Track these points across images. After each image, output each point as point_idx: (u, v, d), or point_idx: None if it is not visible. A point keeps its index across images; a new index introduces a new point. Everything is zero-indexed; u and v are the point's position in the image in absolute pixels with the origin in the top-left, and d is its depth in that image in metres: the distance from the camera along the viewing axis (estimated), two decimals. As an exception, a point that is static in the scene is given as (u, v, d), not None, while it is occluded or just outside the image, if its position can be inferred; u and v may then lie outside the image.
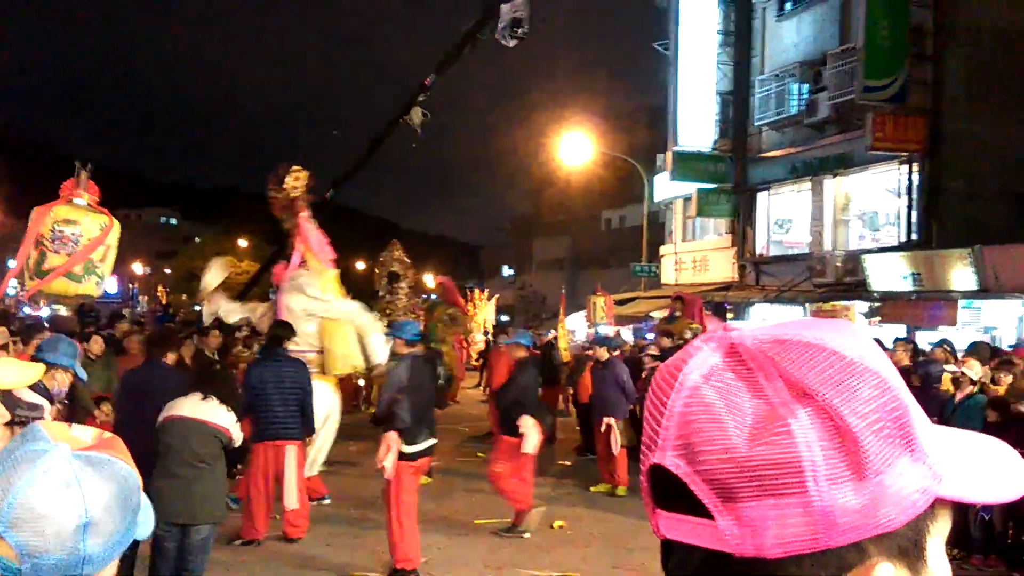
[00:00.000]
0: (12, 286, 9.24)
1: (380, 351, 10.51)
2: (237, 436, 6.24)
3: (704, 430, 0.70)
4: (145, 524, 1.63)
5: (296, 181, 10.11)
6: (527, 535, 9.15)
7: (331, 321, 10.70)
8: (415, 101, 15.64)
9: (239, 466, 11.91)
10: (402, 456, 7.53)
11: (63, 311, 7.96)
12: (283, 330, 9.01)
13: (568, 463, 13.65)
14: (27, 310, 24.53)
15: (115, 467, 1.29)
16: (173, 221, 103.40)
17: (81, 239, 7.19)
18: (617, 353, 15.64)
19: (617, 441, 11.27)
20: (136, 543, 1.70)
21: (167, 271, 69.36)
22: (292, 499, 8.36)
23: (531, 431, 9.14)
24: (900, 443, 0.69)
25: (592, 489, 11.53)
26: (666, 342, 13.89)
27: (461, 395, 22.43)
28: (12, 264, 7.72)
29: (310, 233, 10.18)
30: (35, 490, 1.19)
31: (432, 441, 7.98)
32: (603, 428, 11.41)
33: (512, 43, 14.03)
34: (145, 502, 1.74)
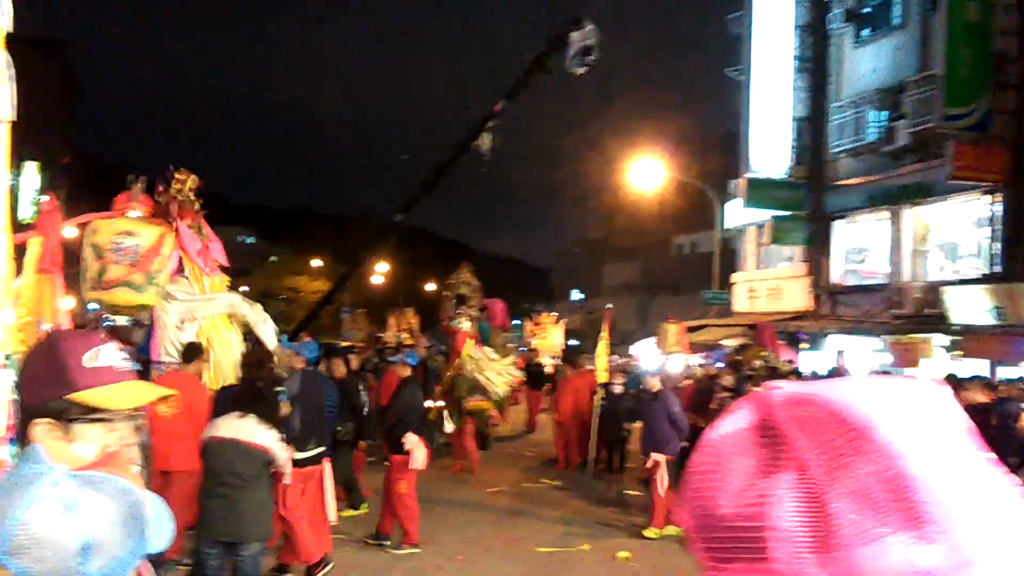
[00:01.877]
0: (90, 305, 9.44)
1: (272, 340, 9.86)
2: (280, 454, 6.26)
3: (703, 488, 0.73)
4: (159, 536, 1.59)
5: (179, 184, 9.67)
6: (388, 543, 9.33)
7: (213, 328, 9.96)
8: (485, 127, 15.74)
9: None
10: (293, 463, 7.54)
11: (120, 321, 8.07)
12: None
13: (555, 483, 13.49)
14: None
15: (115, 484, 1.25)
16: (250, 240, 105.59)
17: (140, 249, 7.33)
18: (689, 382, 15.48)
19: (664, 480, 10.51)
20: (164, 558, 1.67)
21: (243, 289, 70.76)
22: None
23: (417, 448, 9.20)
24: (893, 518, 0.64)
25: (644, 533, 10.56)
26: (729, 379, 13.68)
27: (519, 419, 22.36)
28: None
29: (187, 239, 9.43)
30: (33, 515, 1.16)
31: (320, 449, 8.14)
32: (649, 464, 10.69)
33: (581, 71, 14.03)
34: (159, 513, 1.70)
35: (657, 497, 10.52)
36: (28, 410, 1.73)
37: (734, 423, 0.75)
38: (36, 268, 4.99)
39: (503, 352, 18.03)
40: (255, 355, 10.09)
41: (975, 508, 0.65)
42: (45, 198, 5.41)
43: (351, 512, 10.63)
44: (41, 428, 1.72)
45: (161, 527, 1.69)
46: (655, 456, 10.58)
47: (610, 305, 16.10)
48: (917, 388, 0.73)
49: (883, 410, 0.68)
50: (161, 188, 9.09)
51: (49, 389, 1.76)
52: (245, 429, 6.07)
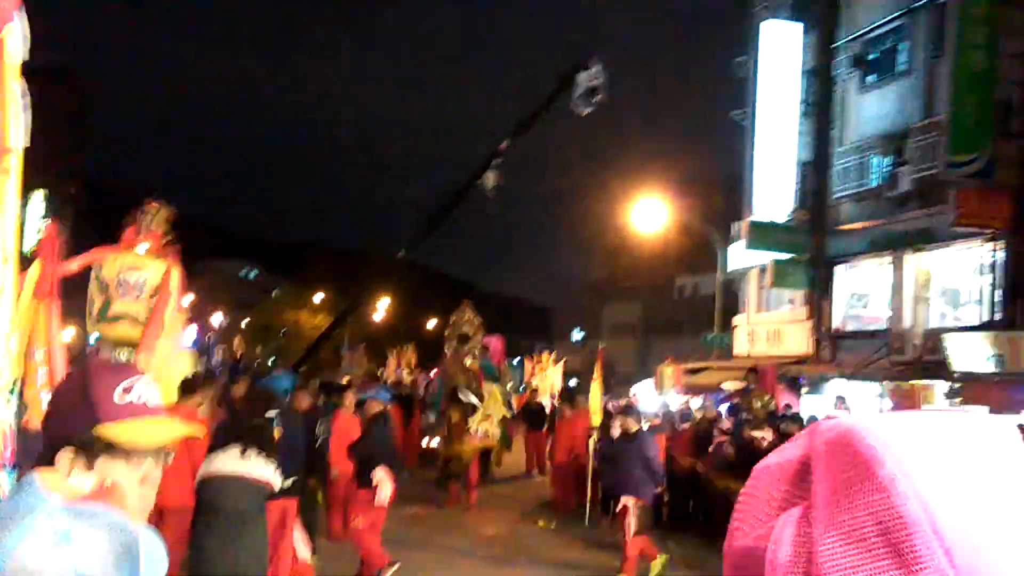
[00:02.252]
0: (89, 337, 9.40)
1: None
2: (277, 483, 6.22)
3: (738, 518, 0.73)
4: (153, 572, 1.55)
5: (149, 215, 9.51)
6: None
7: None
8: (490, 165, 15.81)
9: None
10: None
11: (123, 356, 8.02)
12: None
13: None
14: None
15: (108, 518, 1.22)
16: (252, 274, 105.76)
17: (145, 285, 7.33)
18: (687, 425, 15.36)
19: (631, 525, 10.08)
20: None
21: (245, 322, 70.69)
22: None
23: (384, 482, 9.12)
24: (888, 562, 0.61)
25: None
26: (728, 423, 13.62)
27: (517, 459, 22.23)
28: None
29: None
30: (25, 547, 1.14)
31: (292, 480, 8.01)
32: (618, 507, 10.29)
33: (587, 111, 14.13)
34: (154, 549, 1.67)
35: (626, 543, 10.16)
36: (55, 439, 1.71)
37: (783, 453, 0.74)
38: (33, 293, 4.98)
39: (503, 391, 18.02)
40: (263, 394, 10.11)
41: (1007, 562, 0.61)
42: (47, 224, 5.43)
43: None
44: (66, 459, 1.70)
45: (155, 563, 1.66)
46: (624, 499, 10.18)
47: (603, 344, 15.74)
48: (978, 426, 0.68)
49: (898, 444, 0.64)
50: (132, 217, 8.96)
51: (78, 420, 1.74)
52: (248, 465, 6.02)
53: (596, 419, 13.99)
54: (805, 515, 0.66)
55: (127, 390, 1.81)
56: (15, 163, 2.25)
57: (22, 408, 3.79)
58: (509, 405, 18.53)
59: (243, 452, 6.03)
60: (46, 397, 4.69)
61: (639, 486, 10.14)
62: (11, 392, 2.16)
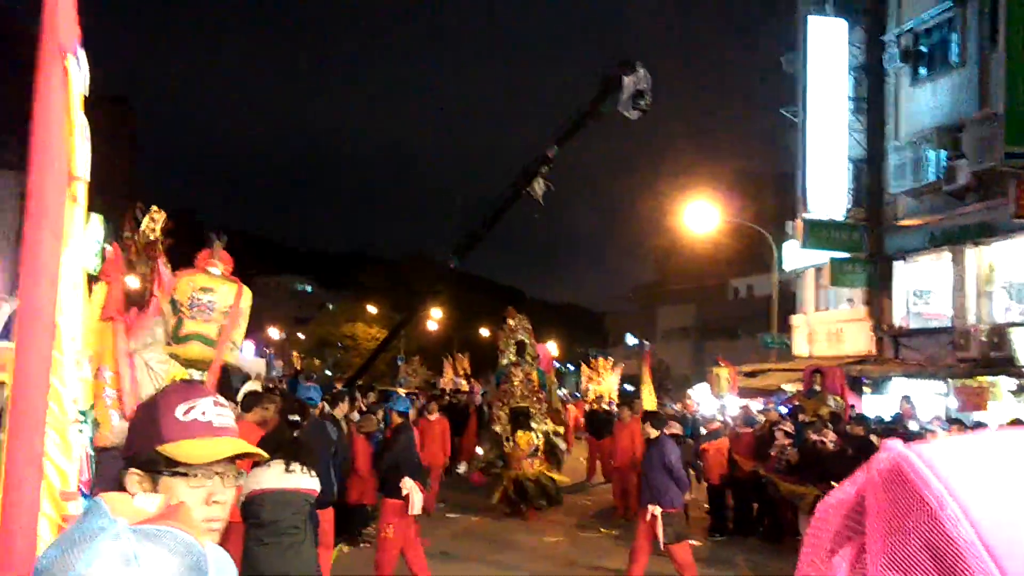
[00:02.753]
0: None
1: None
2: (318, 490, 6.31)
3: (804, 558, 0.73)
4: None
5: (153, 223, 9.54)
6: None
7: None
8: (537, 172, 15.81)
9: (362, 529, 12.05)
10: None
11: (196, 375, 8.15)
12: None
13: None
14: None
15: (176, 538, 1.23)
16: (308, 288, 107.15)
17: (216, 306, 7.44)
18: (748, 429, 15.12)
19: (660, 536, 9.70)
20: None
21: (301, 336, 71.57)
22: None
23: (414, 492, 9.09)
24: None
25: None
26: (790, 426, 13.34)
27: (575, 466, 22.18)
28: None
29: (168, 278, 9.26)
30: (94, 570, 1.15)
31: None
32: (648, 518, 9.89)
33: (634, 115, 14.07)
34: (223, 567, 1.68)
35: (639, 553, 9.89)
36: (125, 459, 1.76)
37: (843, 490, 0.70)
38: (100, 316, 5.10)
39: (552, 398, 17.92)
40: (295, 406, 10.24)
41: None
42: (109, 248, 5.55)
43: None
44: (131, 479, 1.73)
45: None
46: (651, 508, 9.86)
47: (650, 346, 14.79)
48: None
49: (948, 466, 0.62)
50: (130, 227, 9.01)
51: (143, 440, 1.79)
52: (294, 478, 6.09)
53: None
54: (860, 550, 0.64)
55: (190, 408, 1.83)
56: (82, 191, 2.30)
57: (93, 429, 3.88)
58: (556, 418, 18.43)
59: (287, 467, 6.11)
60: (115, 416, 4.80)
61: (662, 493, 9.88)
62: (86, 418, 2.20)
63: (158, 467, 1.79)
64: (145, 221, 8.82)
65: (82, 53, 2.32)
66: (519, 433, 15.26)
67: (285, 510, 6.04)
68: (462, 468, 18.05)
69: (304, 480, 6.12)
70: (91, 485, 2.19)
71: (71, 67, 2.24)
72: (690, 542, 12.09)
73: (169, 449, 1.81)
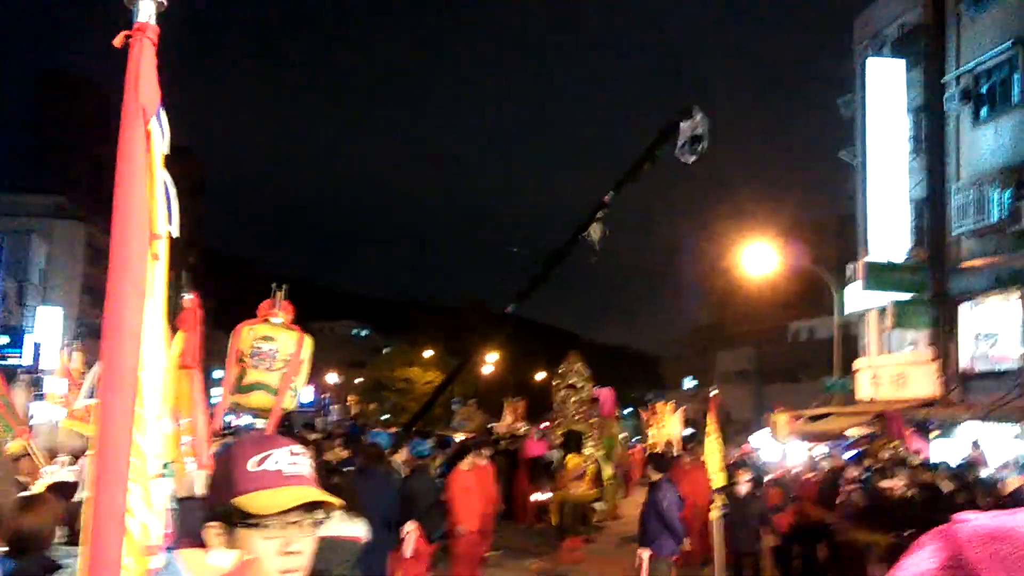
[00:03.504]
0: (218, 396, 9.73)
1: None
2: (366, 537, 6.29)
3: None
4: None
5: None
6: None
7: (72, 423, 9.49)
8: (595, 217, 15.82)
9: None
10: None
11: (259, 424, 8.27)
12: None
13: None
14: (230, 417, 25.99)
15: None
16: (364, 333, 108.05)
17: (278, 354, 7.53)
18: (813, 474, 14.74)
19: None
20: None
21: (358, 381, 72.01)
22: None
23: (410, 536, 9.14)
24: None
25: None
26: (856, 472, 13.04)
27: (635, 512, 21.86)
28: (218, 373, 8.14)
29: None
30: None
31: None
32: (636, 563, 9.74)
33: (691, 159, 14.01)
34: None
35: None
36: (206, 513, 1.78)
37: (921, 563, 0.70)
38: (178, 364, 5.21)
39: (611, 442, 17.79)
40: (372, 449, 10.32)
41: None
42: (190, 296, 5.67)
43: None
44: (210, 532, 1.75)
45: None
46: (640, 552, 9.76)
47: (715, 390, 13.80)
48: None
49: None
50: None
51: (220, 492, 1.81)
52: (337, 525, 6.09)
53: (719, 479, 12.03)
54: None
55: (264, 459, 1.85)
56: (163, 248, 2.36)
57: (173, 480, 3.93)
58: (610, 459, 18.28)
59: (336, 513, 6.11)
60: (191, 465, 4.88)
61: (653, 537, 9.72)
62: (166, 471, 2.23)
63: (233, 519, 1.81)
64: None
65: (163, 114, 2.39)
66: (569, 456, 15.20)
67: (334, 557, 6.04)
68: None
69: (349, 529, 6.12)
70: (174, 538, 2.22)
71: (153, 129, 2.31)
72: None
73: (242, 501, 1.82)
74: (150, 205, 2.29)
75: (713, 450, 12.21)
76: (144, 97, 2.31)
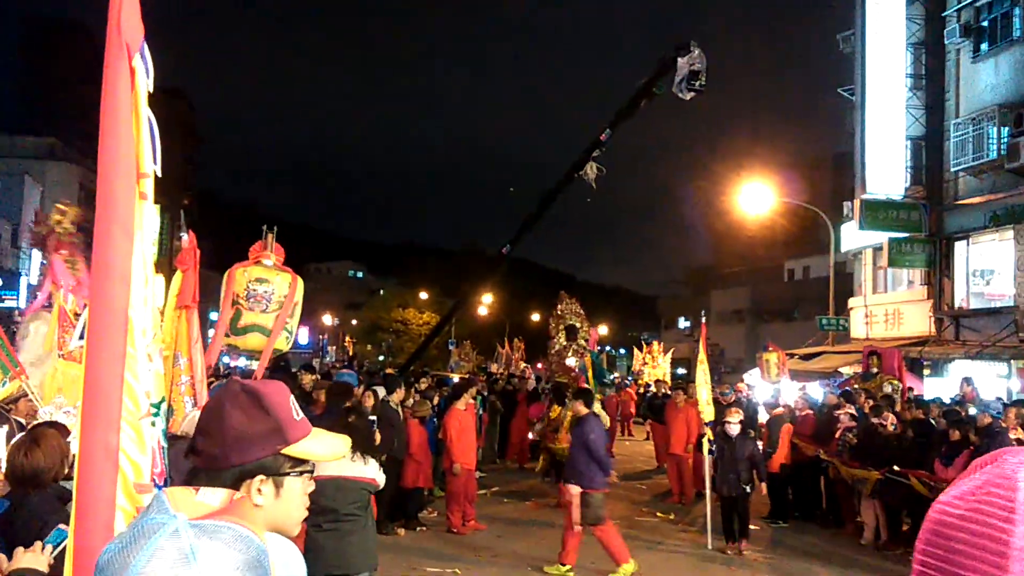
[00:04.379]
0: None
1: None
2: (381, 480, 6.32)
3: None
4: None
5: (60, 216, 9.22)
6: None
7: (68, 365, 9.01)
8: (590, 156, 15.74)
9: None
10: None
11: (254, 365, 8.28)
12: None
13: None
14: (225, 359, 26.11)
15: (236, 533, 1.22)
16: (360, 274, 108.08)
17: (273, 296, 7.55)
18: (808, 412, 14.83)
19: (576, 517, 9.53)
20: None
21: (354, 322, 72.22)
22: None
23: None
24: None
25: (546, 569, 9.77)
26: (852, 409, 13.12)
27: (633, 452, 22.13)
28: (214, 315, 8.12)
29: (61, 272, 8.74)
30: (152, 566, 1.15)
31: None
32: (566, 498, 9.72)
33: (689, 96, 13.91)
34: (289, 560, 1.69)
35: (568, 533, 9.65)
36: (241, 468, 1.74)
37: (972, 500, 0.69)
38: (176, 304, 5.22)
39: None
40: (339, 387, 10.36)
41: None
42: (187, 236, 5.64)
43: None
44: (257, 486, 1.74)
45: (292, 573, 1.68)
46: (568, 487, 9.67)
47: (704, 320, 13.25)
48: None
49: None
50: (39, 219, 8.99)
51: (265, 445, 1.76)
52: (351, 466, 6.14)
53: (708, 413, 11.86)
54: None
55: (295, 407, 1.84)
56: (150, 187, 2.33)
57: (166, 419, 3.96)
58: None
59: (351, 456, 6.15)
60: (188, 402, 4.91)
61: (581, 474, 9.57)
62: (158, 410, 2.23)
63: (283, 469, 1.80)
64: (53, 215, 8.66)
65: (147, 51, 2.34)
66: (555, 407, 15.32)
67: (345, 498, 6.10)
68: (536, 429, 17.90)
69: (364, 469, 6.17)
70: (164, 476, 2.23)
71: (137, 66, 2.27)
72: (752, 527, 11.96)
73: (296, 450, 1.80)
74: (136, 143, 2.26)
75: (702, 382, 12.07)
76: (127, 33, 2.26)
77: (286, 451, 1.78)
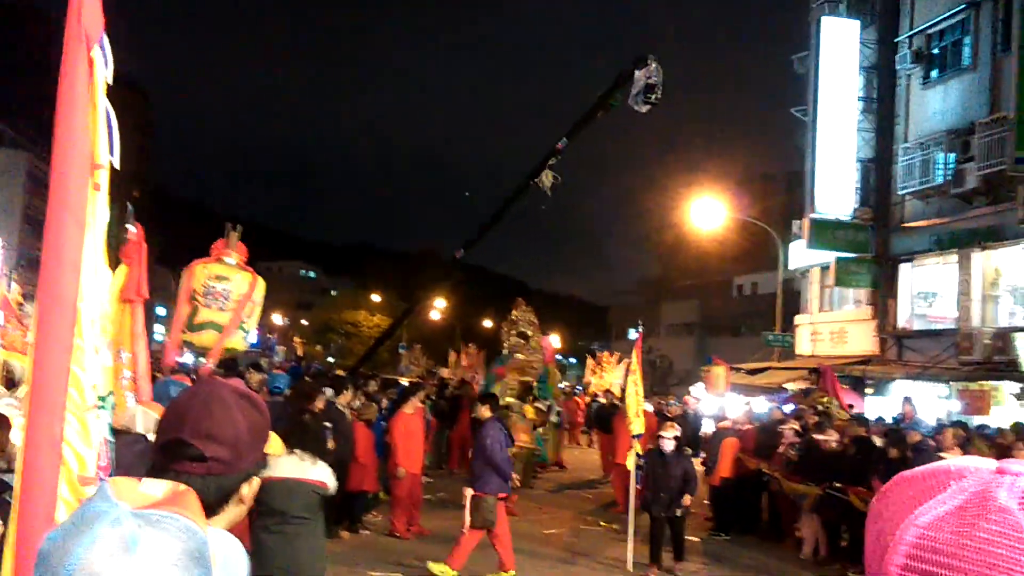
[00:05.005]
0: (160, 334, 9.63)
1: None
2: (332, 484, 6.28)
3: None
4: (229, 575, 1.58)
5: None
6: None
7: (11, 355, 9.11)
8: (546, 164, 15.79)
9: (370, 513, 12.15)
10: None
11: (208, 364, 8.20)
12: None
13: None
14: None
15: (178, 524, 1.22)
16: (312, 274, 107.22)
17: (231, 294, 7.50)
18: (750, 426, 15.03)
19: (467, 518, 9.64)
20: None
21: (304, 322, 71.62)
22: None
23: None
24: None
25: (430, 565, 9.81)
26: (796, 425, 13.32)
27: (579, 460, 22.21)
28: (161, 311, 8.06)
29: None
30: (92, 554, 1.14)
31: None
32: (463, 501, 9.85)
33: (644, 109, 14.03)
34: (231, 554, 1.69)
35: (461, 536, 9.72)
36: (246, 472, 1.79)
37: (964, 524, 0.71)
38: (120, 297, 5.15)
39: (551, 390, 17.95)
40: (305, 388, 10.30)
41: None
42: (133, 228, 5.57)
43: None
44: (247, 487, 1.77)
45: (233, 568, 1.69)
46: (465, 491, 9.84)
47: (640, 328, 12.78)
48: None
49: None
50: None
51: (261, 445, 1.84)
52: (302, 467, 6.10)
53: (637, 426, 11.22)
54: None
55: None
56: (104, 178, 2.32)
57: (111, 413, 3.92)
58: (548, 411, 18.30)
59: (300, 457, 6.12)
60: (130, 398, 4.83)
61: (477, 477, 9.74)
62: (104, 403, 2.22)
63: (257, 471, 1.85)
64: None
65: (107, 42, 2.34)
66: (526, 407, 15.25)
67: (295, 500, 6.05)
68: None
69: (314, 471, 6.13)
70: (109, 471, 2.21)
71: (96, 57, 2.26)
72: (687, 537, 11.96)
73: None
74: (92, 134, 2.25)
75: (632, 392, 11.55)
76: (87, 22, 2.25)
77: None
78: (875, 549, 0.75)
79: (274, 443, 1.90)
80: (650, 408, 16.51)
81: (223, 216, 8.17)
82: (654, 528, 10.81)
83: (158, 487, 1.41)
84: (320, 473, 6.15)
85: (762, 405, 18.70)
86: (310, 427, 6.79)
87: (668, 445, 10.76)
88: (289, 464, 6.09)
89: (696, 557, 11.73)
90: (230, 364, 14.59)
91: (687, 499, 10.69)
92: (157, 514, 1.21)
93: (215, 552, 1.28)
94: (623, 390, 23.40)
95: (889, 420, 15.30)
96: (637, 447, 11.11)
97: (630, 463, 11.16)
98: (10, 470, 3.99)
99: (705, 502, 14.39)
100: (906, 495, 0.75)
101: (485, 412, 10.28)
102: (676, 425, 11.36)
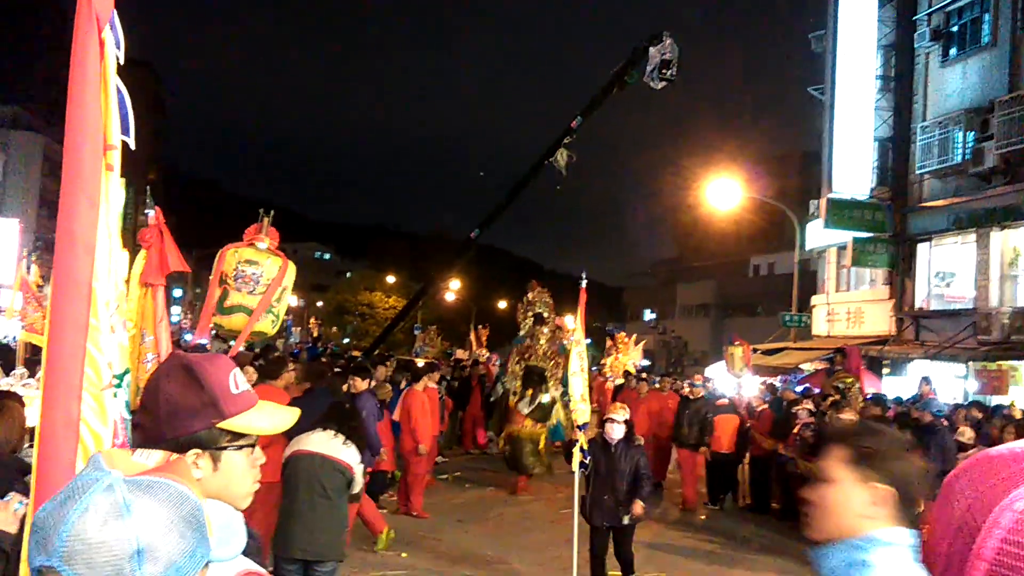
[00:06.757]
0: (176, 315, 9.71)
1: None
2: (358, 470, 6.30)
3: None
4: (225, 545, 1.59)
5: None
6: None
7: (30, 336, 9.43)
8: (561, 143, 15.77)
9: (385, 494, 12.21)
10: None
11: (236, 347, 8.27)
12: None
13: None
14: (188, 337, 25.87)
15: (171, 490, 1.24)
16: (327, 256, 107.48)
17: (261, 278, 7.57)
18: (765, 406, 15.01)
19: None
20: None
21: (319, 304, 71.86)
22: None
23: None
24: None
25: (376, 548, 9.70)
26: (811, 405, 13.28)
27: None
28: (178, 292, 8.13)
29: None
30: (85, 520, 1.17)
31: None
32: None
33: (660, 86, 13.97)
34: (228, 522, 1.70)
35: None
36: (175, 441, 1.73)
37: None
38: (141, 281, 5.18)
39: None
40: (316, 367, 10.37)
41: None
42: (152, 212, 5.59)
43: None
44: (188, 463, 1.73)
45: (229, 535, 1.70)
46: None
47: (585, 281, 9.86)
48: None
49: None
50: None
51: (199, 419, 1.76)
52: (332, 445, 6.14)
53: (579, 414, 9.31)
54: None
55: (235, 380, 1.84)
56: (117, 159, 2.33)
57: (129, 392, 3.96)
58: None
59: (334, 435, 6.18)
60: None
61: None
62: (121, 382, 2.24)
63: (220, 443, 1.79)
64: None
65: (117, 22, 2.34)
66: (528, 392, 15.22)
67: (318, 474, 6.10)
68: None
69: (343, 452, 6.17)
70: (126, 448, 2.23)
71: (107, 37, 2.26)
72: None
73: (236, 424, 1.80)
74: (104, 114, 2.26)
75: (576, 370, 9.55)
76: (97, 4, 2.26)
77: (223, 425, 1.77)
78: (947, 530, 0.73)
79: (283, 418, 1.89)
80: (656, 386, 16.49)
81: (236, 197, 8.19)
82: (594, 543, 8.49)
83: (151, 457, 1.43)
84: (349, 455, 6.18)
85: (777, 386, 18.63)
86: (353, 411, 6.82)
87: (616, 432, 8.42)
88: (320, 439, 6.15)
89: (710, 536, 11.75)
90: (265, 352, 14.31)
91: (638, 506, 8.28)
92: (149, 480, 1.23)
93: (211, 518, 1.30)
94: (637, 370, 23.47)
95: (906, 400, 15.24)
96: (582, 440, 8.81)
97: (574, 463, 8.79)
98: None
99: (637, 512, 13.19)
100: (995, 477, 0.73)
101: (359, 383, 10.20)
102: (625, 406, 9.17)
